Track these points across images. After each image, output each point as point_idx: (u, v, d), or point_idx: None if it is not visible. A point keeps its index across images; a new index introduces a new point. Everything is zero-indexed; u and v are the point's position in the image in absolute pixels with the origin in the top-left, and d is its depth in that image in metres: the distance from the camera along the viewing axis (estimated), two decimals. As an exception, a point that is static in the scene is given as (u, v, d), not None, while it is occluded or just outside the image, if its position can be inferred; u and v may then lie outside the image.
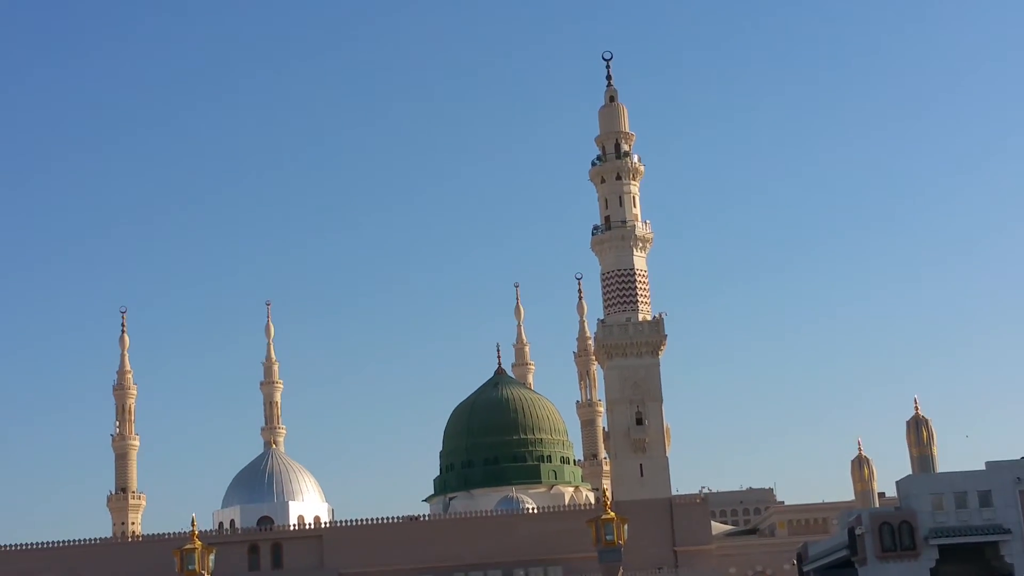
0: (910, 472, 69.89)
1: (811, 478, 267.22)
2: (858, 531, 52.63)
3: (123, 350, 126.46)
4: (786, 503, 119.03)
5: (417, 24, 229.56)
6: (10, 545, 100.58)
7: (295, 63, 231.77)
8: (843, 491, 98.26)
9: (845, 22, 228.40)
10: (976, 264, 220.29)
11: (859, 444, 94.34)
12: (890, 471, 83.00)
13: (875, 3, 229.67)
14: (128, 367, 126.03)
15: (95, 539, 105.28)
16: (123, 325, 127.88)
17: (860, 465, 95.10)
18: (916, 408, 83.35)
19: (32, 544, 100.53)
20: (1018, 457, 52.77)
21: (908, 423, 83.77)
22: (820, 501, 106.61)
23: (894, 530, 50.90)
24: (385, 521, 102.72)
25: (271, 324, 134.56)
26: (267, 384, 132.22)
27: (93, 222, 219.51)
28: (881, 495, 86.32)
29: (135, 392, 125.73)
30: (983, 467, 52.24)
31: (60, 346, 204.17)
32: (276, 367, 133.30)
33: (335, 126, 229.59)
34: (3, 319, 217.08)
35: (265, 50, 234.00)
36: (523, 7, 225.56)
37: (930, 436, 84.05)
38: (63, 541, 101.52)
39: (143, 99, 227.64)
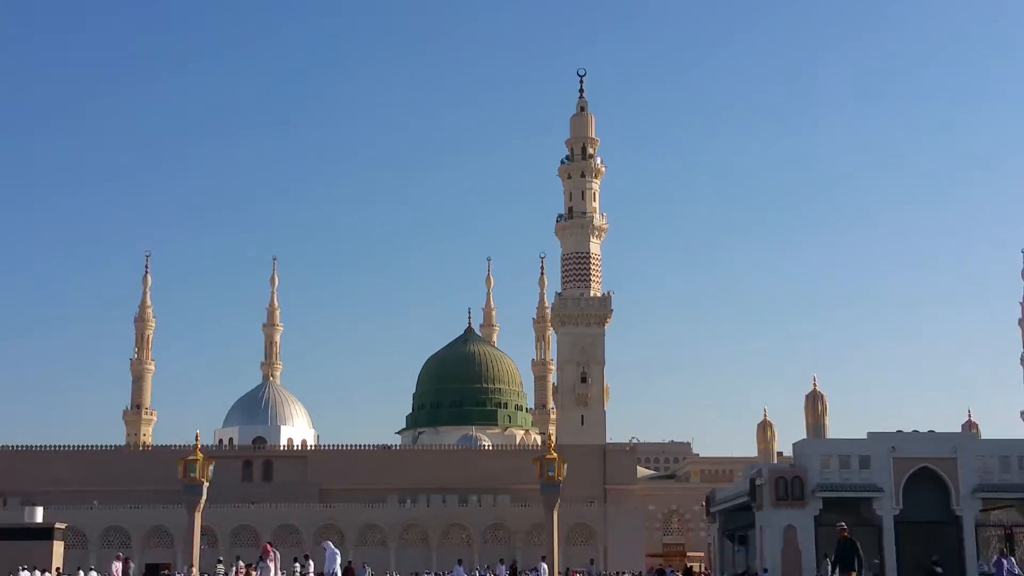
0: (805, 436, 71.49)
1: (723, 436, 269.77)
2: (758, 482, 53.56)
3: (145, 288, 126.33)
4: (700, 455, 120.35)
5: (418, 33, 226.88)
6: (39, 446, 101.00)
7: (300, 26, 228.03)
8: (749, 448, 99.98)
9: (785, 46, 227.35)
10: (875, 258, 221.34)
11: (765, 412, 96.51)
12: (789, 435, 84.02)
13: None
14: (149, 302, 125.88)
15: (112, 446, 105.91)
16: (147, 266, 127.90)
17: (764, 428, 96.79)
18: (815, 384, 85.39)
19: (58, 446, 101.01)
20: (894, 430, 53.74)
21: (807, 396, 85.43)
22: (729, 455, 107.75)
23: (787, 483, 51.80)
24: (362, 448, 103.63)
25: (276, 275, 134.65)
26: (269, 326, 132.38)
27: (125, 171, 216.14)
28: (780, 454, 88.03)
29: (153, 324, 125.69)
30: (865, 436, 53.24)
31: (91, 278, 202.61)
32: (278, 312, 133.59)
33: (343, 116, 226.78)
34: (49, 259, 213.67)
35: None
36: (511, 22, 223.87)
37: (824, 408, 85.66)
38: (85, 445, 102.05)
39: (172, 42, 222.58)
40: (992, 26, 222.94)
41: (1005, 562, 36.69)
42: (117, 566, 50.75)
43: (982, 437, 63.88)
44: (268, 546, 42.55)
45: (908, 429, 54.29)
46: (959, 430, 71.34)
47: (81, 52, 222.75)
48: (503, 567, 58.87)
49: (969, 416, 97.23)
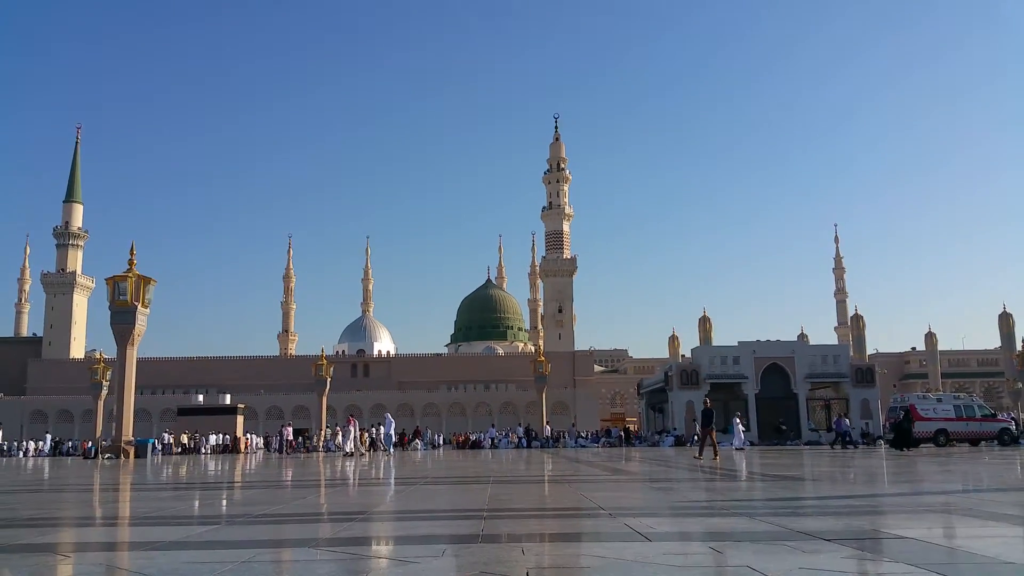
0: (698, 344, 71.52)
1: (647, 344, 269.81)
2: (669, 374, 53.73)
3: (288, 256, 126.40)
4: (634, 357, 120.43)
5: (443, 84, 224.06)
6: (229, 356, 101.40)
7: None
8: (663, 352, 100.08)
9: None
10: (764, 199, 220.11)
11: (673, 329, 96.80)
12: (688, 343, 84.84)
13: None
14: (291, 265, 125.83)
15: (272, 356, 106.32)
16: (289, 244, 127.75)
17: (673, 340, 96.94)
18: (704, 312, 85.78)
19: (239, 356, 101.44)
20: (754, 339, 53.70)
21: (699, 319, 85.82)
22: (651, 356, 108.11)
23: (688, 374, 52.00)
24: (424, 355, 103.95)
25: (369, 248, 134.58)
26: (364, 279, 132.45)
27: (263, 165, 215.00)
28: (683, 356, 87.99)
29: (294, 278, 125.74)
30: (736, 344, 53.24)
31: (250, 251, 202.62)
32: (371, 271, 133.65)
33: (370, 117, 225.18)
34: (225, 240, 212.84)
35: None
36: (508, 78, 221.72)
37: (710, 326, 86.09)
38: (256, 356, 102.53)
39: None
40: None
41: (843, 421, 36.90)
42: (288, 430, 50.64)
43: (810, 343, 63.81)
44: (350, 417, 41.34)
45: (763, 339, 54.27)
46: (795, 339, 71.27)
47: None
48: (521, 428, 58.74)
49: (802, 329, 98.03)
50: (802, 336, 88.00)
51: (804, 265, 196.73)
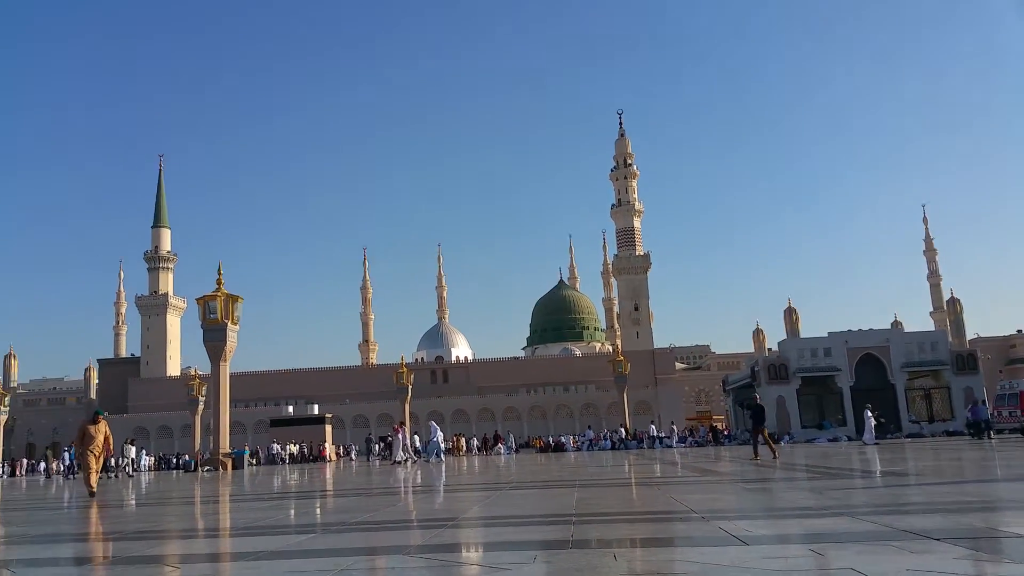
0: (786, 337, 69.54)
1: (732, 339, 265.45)
2: (756, 369, 52.37)
3: (365, 269, 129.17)
4: (717, 353, 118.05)
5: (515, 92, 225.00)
6: (315, 367, 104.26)
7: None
8: (749, 347, 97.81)
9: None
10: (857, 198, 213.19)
11: (757, 323, 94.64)
12: (774, 336, 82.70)
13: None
14: (368, 278, 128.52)
15: (354, 366, 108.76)
16: (364, 256, 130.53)
17: (758, 334, 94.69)
18: (789, 303, 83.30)
19: (325, 367, 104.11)
20: (846, 329, 51.90)
21: (785, 311, 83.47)
22: (735, 352, 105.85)
23: (776, 368, 50.55)
24: (502, 359, 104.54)
25: (441, 258, 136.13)
26: (439, 287, 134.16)
27: (344, 183, 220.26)
28: (769, 350, 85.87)
29: (371, 290, 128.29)
30: (827, 335, 51.55)
31: (329, 266, 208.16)
32: (444, 279, 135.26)
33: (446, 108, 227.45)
34: (305, 258, 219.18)
35: None
36: (575, 78, 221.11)
37: (797, 317, 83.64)
38: (339, 366, 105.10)
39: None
40: None
41: (981, 408, 34.73)
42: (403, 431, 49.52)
43: (905, 330, 61.28)
44: (397, 426, 40.19)
45: (854, 328, 52.42)
46: (889, 327, 68.50)
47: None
48: (623, 430, 57.61)
49: (896, 316, 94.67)
50: (896, 323, 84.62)
51: (893, 249, 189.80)
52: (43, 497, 18.88)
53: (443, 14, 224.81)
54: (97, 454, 15.69)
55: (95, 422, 15.89)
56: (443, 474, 21.12)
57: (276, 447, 51.10)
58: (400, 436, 37.21)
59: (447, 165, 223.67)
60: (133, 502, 14.75)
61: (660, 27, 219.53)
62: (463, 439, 54.02)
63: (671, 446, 48.96)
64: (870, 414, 34.91)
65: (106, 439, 15.86)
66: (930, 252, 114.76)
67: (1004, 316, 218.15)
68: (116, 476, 34.02)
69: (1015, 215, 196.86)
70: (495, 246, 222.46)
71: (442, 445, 38.39)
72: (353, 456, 57.86)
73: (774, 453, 20.86)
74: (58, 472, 56.65)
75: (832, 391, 49.40)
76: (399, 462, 34.71)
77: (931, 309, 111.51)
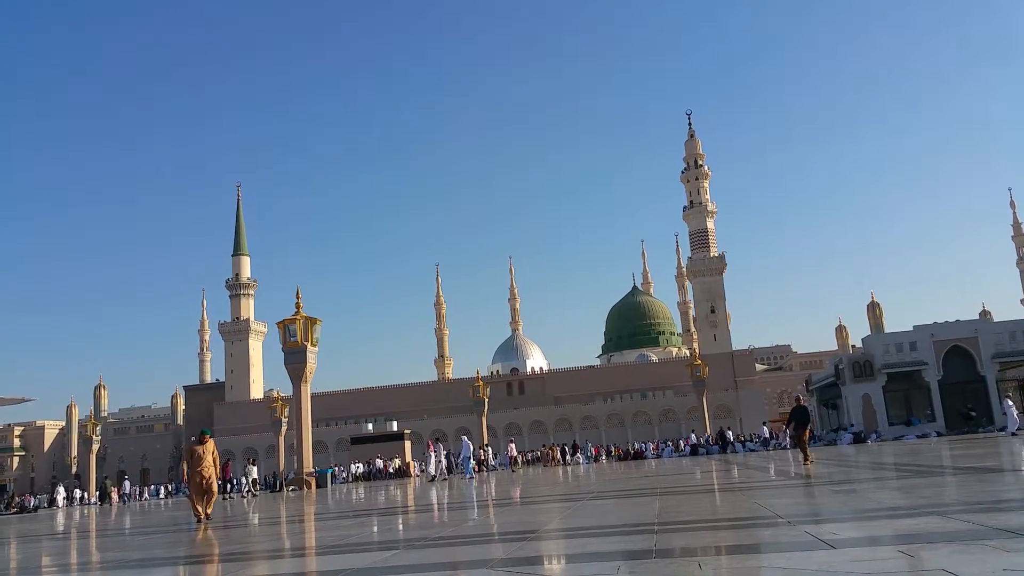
0: (869, 332, 67.28)
1: (813, 337, 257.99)
2: (840, 366, 50.98)
3: (438, 285, 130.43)
4: (798, 352, 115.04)
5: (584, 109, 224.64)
6: (393, 384, 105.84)
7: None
8: (831, 345, 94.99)
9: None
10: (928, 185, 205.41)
11: (839, 319, 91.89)
12: (857, 332, 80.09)
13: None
14: (441, 293, 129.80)
15: (431, 381, 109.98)
16: (437, 273, 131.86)
17: (840, 330, 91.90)
18: (872, 297, 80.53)
19: (402, 384, 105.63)
20: (931, 322, 50.00)
21: (868, 305, 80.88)
22: (817, 350, 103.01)
23: (861, 366, 49.12)
24: (577, 368, 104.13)
25: (512, 269, 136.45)
26: (511, 299, 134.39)
27: (416, 203, 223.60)
28: (853, 346, 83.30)
29: (445, 306, 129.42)
30: (912, 328, 49.75)
31: (403, 282, 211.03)
32: (517, 291, 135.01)
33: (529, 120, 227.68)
34: (383, 275, 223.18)
35: None
36: (643, 79, 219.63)
37: (880, 312, 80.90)
38: (416, 382, 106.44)
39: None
40: None
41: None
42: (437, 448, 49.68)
43: (994, 320, 58.62)
44: (430, 443, 39.40)
45: (941, 320, 50.48)
46: (977, 317, 65.65)
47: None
48: (693, 436, 56.45)
49: (983, 306, 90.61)
50: (984, 313, 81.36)
51: (978, 237, 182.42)
52: (148, 524, 19.66)
53: (505, 24, 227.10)
54: (207, 475, 14.89)
55: (202, 442, 15.16)
56: (521, 485, 21.17)
57: (379, 461, 51.60)
58: (433, 453, 36.76)
59: (516, 176, 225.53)
60: (223, 524, 15.25)
61: (726, 21, 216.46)
62: (556, 449, 53.67)
63: (755, 449, 47.87)
64: (1011, 404, 33.49)
65: (214, 459, 15.14)
66: (1019, 237, 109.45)
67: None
68: (231, 497, 35.20)
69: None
70: (567, 255, 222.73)
71: (472, 461, 37.79)
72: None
73: (806, 458, 19.50)
74: (125, 498, 58.00)
75: (919, 386, 47.70)
76: (433, 479, 34.11)
77: (1022, 296, 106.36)
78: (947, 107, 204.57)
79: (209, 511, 15.01)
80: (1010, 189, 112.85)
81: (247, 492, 38.21)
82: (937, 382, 47.25)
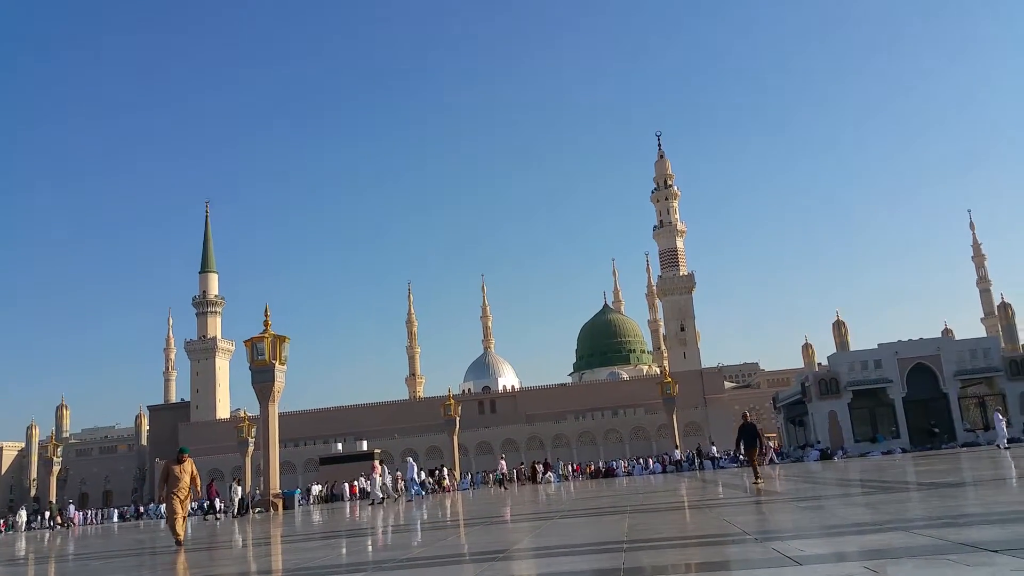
0: (835, 351, 68.15)
1: (780, 355, 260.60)
2: (807, 384, 51.43)
3: (409, 303, 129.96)
4: (766, 370, 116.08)
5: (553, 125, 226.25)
6: (361, 404, 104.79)
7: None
8: (798, 363, 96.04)
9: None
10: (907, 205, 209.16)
11: (805, 337, 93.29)
12: (823, 351, 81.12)
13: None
14: (412, 311, 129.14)
15: (402, 400, 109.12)
16: (409, 291, 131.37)
17: (807, 349, 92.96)
18: (838, 315, 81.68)
19: (372, 403, 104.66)
20: (895, 340, 50.75)
21: (833, 324, 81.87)
22: (784, 368, 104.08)
23: (827, 383, 49.59)
24: (549, 386, 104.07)
25: (484, 287, 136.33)
26: (483, 317, 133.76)
27: (388, 230, 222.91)
28: (819, 364, 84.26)
29: (416, 324, 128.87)
30: (876, 346, 50.45)
31: (375, 299, 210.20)
32: (489, 309, 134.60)
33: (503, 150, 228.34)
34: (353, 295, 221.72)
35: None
36: (609, 102, 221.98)
37: (845, 330, 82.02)
38: (387, 401, 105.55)
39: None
40: None
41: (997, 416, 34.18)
42: (502, 463, 48.63)
43: (956, 338, 59.70)
44: (375, 463, 38.69)
45: (905, 339, 51.24)
46: (939, 335, 66.81)
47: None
48: (676, 452, 56.40)
49: (945, 325, 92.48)
50: (946, 331, 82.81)
51: (940, 257, 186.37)
52: (122, 548, 19.19)
53: (475, 42, 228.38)
54: (183, 497, 14.21)
55: (180, 461, 14.46)
56: (491, 505, 21.03)
57: (345, 486, 50.88)
58: (378, 475, 36.29)
59: (488, 195, 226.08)
60: (197, 547, 14.94)
61: (698, 46, 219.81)
62: (538, 466, 53.08)
63: (725, 466, 48.10)
64: (1000, 417, 33.82)
65: (192, 480, 14.45)
66: (978, 257, 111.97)
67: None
68: (218, 518, 34.35)
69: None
70: (538, 273, 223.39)
71: (418, 483, 37.60)
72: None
73: (756, 476, 19.26)
74: (58, 524, 55.35)
75: (884, 403, 48.30)
76: (377, 502, 33.60)
77: (982, 315, 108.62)
78: (909, 130, 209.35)
79: (180, 535, 14.37)
80: (969, 211, 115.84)
81: (222, 512, 37.28)
82: (901, 399, 47.91)
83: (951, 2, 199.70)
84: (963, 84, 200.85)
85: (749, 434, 19.50)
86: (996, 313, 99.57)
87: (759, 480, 18.87)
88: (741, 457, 33.02)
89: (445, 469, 52.66)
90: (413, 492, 35.58)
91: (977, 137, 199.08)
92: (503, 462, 48.88)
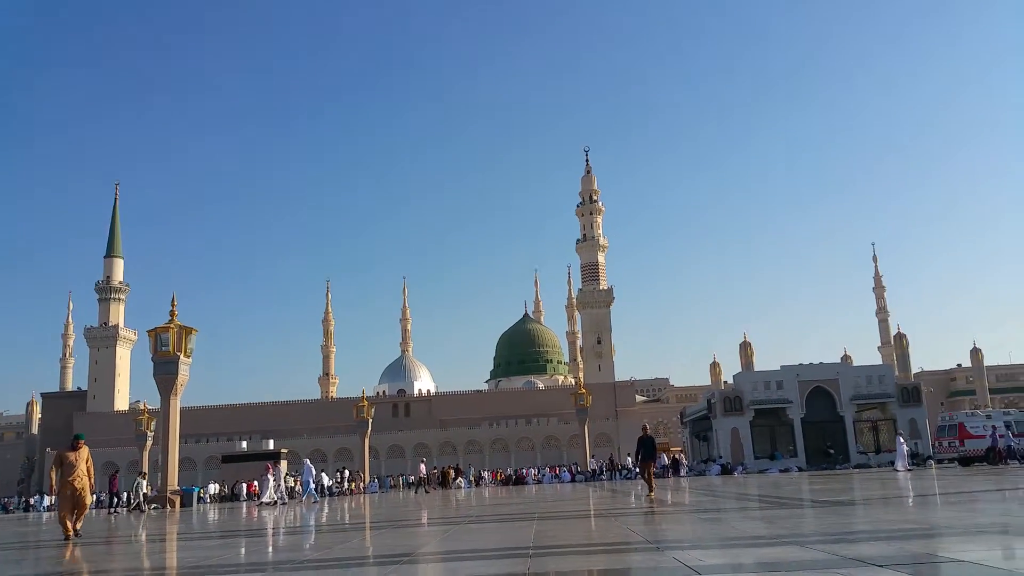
0: (741, 370, 70.38)
1: (690, 372, 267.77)
2: (712, 401, 52.77)
3: (327, 301, 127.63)
4: (675, 385, 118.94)
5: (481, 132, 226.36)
6: (270, 401, 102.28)
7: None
8: (706, 380, 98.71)
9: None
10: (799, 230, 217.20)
11: (714, 355, 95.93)
12: (730, 369, 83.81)
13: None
14: (330, 310, 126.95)
15: (313, 399, 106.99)
16: (327, 290, 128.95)
17: (714, 367, 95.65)
18: (745, 337, 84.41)
19: (281, 401, 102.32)
20: (797, 363, 52.67)
21: (740, 345, 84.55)
22: (692, 384, 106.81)
23: (731, 400, 50.91)
24: (464, 392, 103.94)
25: (406, 289, 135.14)
26: (403, 320, 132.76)
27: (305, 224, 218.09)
28: (725, 382, 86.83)
29: (332, 323, 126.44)
30: (779, 368, 52.24)
31: (287, 297, 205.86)
32: (409, 311, 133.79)
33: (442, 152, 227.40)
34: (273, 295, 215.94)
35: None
36: (543, 119, 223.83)
37: (751, 351, 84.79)
38: (296, 400, 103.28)
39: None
40: None
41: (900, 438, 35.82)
42: (422, 467, 48.88)
43: (854, 364, 62.45)
44: (268, 465, 38.25)
45: (806, 362, 53.25)
46: (839, 360, 69.75)
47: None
48: (594, 462, 56.96)
49: (845, 351, 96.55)
50: (846, 357, 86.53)
51: (844, 286, 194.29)
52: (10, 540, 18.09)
53: (409, 49, 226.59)
54: (79, 486, 13.43)
55: (75, 448, 13.69)
56: (398, 509, 20.81)
57: (243, 486, 49.37)
58: (271, 476, 35.51)
59: (414, 197, 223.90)
60: (89, 541, 14.23)
61: (625, 65, 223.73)
62: (451, 471, 52.72)
63: (631, 478, 48.97)
64: (903, 440, 35.01)
65: (88, 469, 13.67)
66: (879, 289, 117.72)
67: (946, 350, 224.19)
68: (117, 512, 32.70)
69: (959, 253, 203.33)
70: (461, 280, 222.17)
71: (313, 485, 37.15)
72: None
73: (651, 489, 19.46)
74: None
75: (784, 423, 50.01)
76: (268, 504, 32.78)
77: (879, 344, 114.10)
78: (823, 159, 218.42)
79: (79, 526, 13.75)
80: (873, 244, 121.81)
81: (138, 508, 35.43)
82: (800, 420, 49.74)
83: (837, 33, 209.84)
84: (884, 117, 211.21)
85: (647, 447, 19.60)
86: (892, 343, 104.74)
87: (653, 492, 19.18)
88: (636, 470, 33.64)
89: (347, 472, 51.92)
90: (306, 495, 34.88)
91: (887, 173, 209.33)
92: (423, 466, 48.49)
